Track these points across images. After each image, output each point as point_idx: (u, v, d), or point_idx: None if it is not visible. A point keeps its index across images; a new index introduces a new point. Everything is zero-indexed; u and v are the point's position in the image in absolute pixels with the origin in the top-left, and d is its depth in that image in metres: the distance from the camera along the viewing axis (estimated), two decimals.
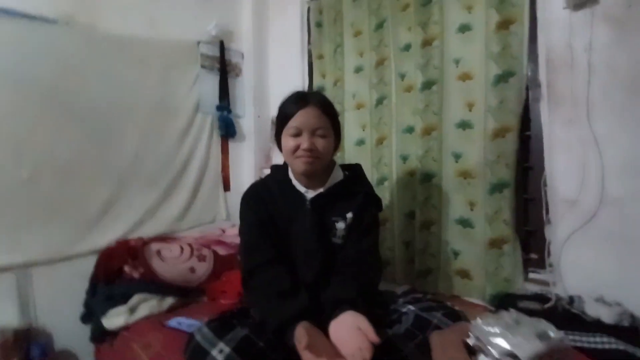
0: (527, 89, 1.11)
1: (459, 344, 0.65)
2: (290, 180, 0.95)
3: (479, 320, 0.65)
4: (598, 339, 0.76)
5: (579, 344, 0.77)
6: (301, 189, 0.94)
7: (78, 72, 1.43)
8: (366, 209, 0.94)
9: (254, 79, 2.03)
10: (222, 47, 1.94)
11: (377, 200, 0.99)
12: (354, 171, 1.02)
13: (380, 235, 1.06)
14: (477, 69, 1.19)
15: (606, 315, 0.82)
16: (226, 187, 1.98)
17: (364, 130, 1.56)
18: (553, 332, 0.61)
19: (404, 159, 1.41)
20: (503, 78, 1.13)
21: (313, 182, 0.93)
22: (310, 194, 0.93)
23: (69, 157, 1.40)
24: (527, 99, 1.12)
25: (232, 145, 2.01)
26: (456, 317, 0.77)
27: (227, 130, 1.93)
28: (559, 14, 1.00)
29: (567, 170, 1.02)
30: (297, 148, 0.88)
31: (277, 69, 2.06)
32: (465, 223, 1.23)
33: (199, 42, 1.86)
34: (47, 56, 1.36)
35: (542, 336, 0.60)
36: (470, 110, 1.22)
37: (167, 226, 1.68)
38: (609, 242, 0.94)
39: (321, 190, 0.93)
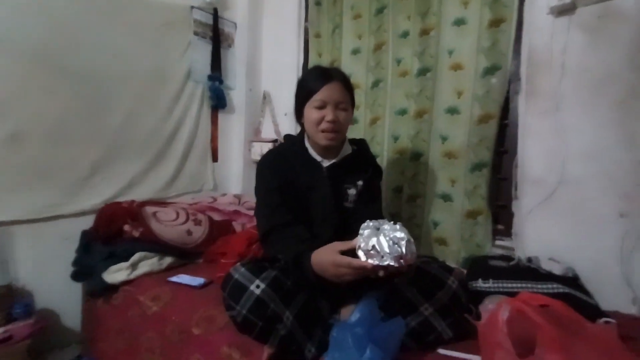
0: (509, 82, 1.27)
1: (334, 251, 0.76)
2: (306, 150, 1.03)
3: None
4: (549, 285, 0.96)
5: (534, 290, 0.96)
6: (317, 158, 1.03)
7: (70, 31, 1.37)
8: (374, 179, 1.07)
9: (247, 51, 2.02)
10: (215, 14, 1.91)
11: (381, 172, 1.12)
12: (361, 145, 1.12)
13: None
14: (468, 60, 1.33)
15: (556, 269, 1.03)
16: (214, 157, 1.99)
17: (357, 110, 1.65)
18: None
19: (395, 138, 1.53)
20: (490, 71, 1.28)
21: (328, 152, 1.03)
22: (325, 163, 1.02)
23: (57, 118, 1.35)
24: (508, 91, 1.28)
25: (222, 116, 2.01)
26: (449, 269, 0.92)
27: (218, 101, 1.93)
28: (542, 18, 1.16)
29: (536, 154, 1.20)
30: (321, 120, 0.96)
31: (271, 43, 2.06)
32: (446, 197, 1.40)
33: (192, 7, 1.81)
34: (37, 13, 1.28)
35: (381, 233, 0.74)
36: (459, 98, 1.36)
37: (154, 192, 1.68)
38: (564, 215, 1.14)
39: (334, 160, 1.03)
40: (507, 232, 1.29)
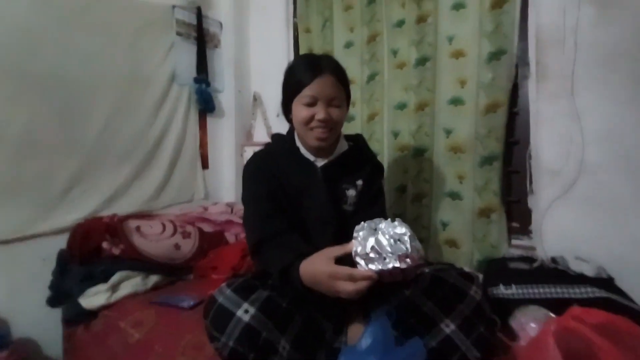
0: (516, 66, 1.18)
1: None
2: (298, 149, 0.92)
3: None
4: (583, 289, 0.85)
5: (566, 295, 0.85)
6: (310, 157, 0.91)
7: (33, 35, 1.26)
8: (374, 177, 0.95)
9: (234, 51, 1.93)
10: (199, 13, 1.81)
11: (382, 169, 1.00)
12: (357, 141, 1.01)
13: None
14: (470, 46, 1.24)
15: (587, 270, 0.92)
16: (204, 164, 1.88)
17: (353, 106, 1.56)
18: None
19: (395, 134, 1.43)
20: (495, 56, 1.18)
21: (321, 151, 0.92)
22: (319, 163, 0.91)
23: (26, 129, 1.24)
24: (516, 77, 1.18)
25: (210, 121, 1.90)
26: (469, 277, 0.79)
27: (206, 104, 1.82)
28: None
29: (551, 142, 1.11)
30: (311, 118, 0.84)
31: (259, 42, 1.97)
32: (454, 195, 1.29)
33: (174, 7, 1.72)
34: None
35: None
36: (462, 87, 1.26)
37: (140, 204, 1.56)
38: (587, 208, 1.04)
39: (330, 159, 0.92)
40: (524, 230, 1.19)
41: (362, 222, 0.69)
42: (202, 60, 1.81)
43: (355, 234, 0.67)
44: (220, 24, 1.94)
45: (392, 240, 0.63)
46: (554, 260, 0.99)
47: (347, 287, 0.64)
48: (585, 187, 1.04)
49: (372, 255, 0.63)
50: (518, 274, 0.93)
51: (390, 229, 0.65)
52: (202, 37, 1.81)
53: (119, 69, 1.50)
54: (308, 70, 0.85)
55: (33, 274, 1.24)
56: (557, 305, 0.76)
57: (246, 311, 0.66)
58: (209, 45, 1.86)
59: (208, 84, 1.82)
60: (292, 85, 0.87)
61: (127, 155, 1.53)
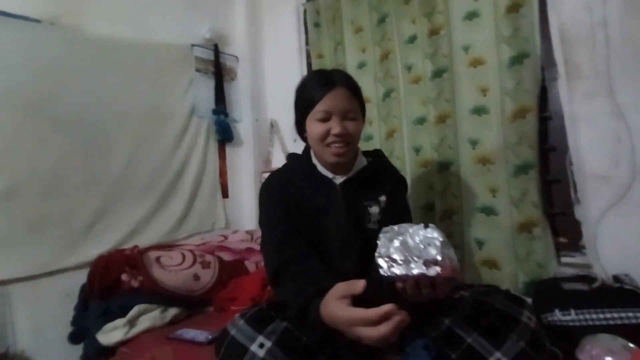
0: (542, 69, 1.11)
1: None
2: (314, 166, 0.88)
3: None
4: None
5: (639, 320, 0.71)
6: (328, 174, 0.87)
7: (63, 77, 1.34)
8: (398, 192, 0.88)
9: (250, 83, 1.99)
10: (216, 50, 1.90)
11: (406, 183, 0.93)
12: (377, 156, 0.96)
13: None
14: (488, 53, 1.19)
15: None
16: (224, 193, 1.88)
17: (370, 125, 1.52)
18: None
19: (417, 150, 1.36)
20: (517, 60, 1.12)
21: (339, 168, 0.87)
22: (338, 180, 0.86)
23: (53, 169, 1.28)
24: (543, 80, 1.11)
25: (229, 150, 1.93)
26: (519, 301, 0.68)
27: (224, 134, 1.86)
28: None
29: (594, 145, 1.00)
30: (327, 134, 0.81)
31: (274, 72, 2.02)
32: (488, 210, 1.18)
33: (192, 45, 1.81)
34: (29, 59, 1.26)
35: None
36: (484, 95, 1.20)
37: (162, 236, 1.56)
38: None
39: (349, 175, 0.87)
40: (574, 246, 1.05)
41: (391, 226, 0.61)
42: (220, 92, 1.87)
43: (380, 235, 0.59)
44: (237, 58, 2.01)
45: (420, 244, 0.55)
46: (616, 278, 0.85)
47: (370, 334, 0.53)
48: None
49: (395, 256, 0.55)
50: (576, 297, 0.80)
51: (420, 232, 0.57)
52: (219, 72, 1.88)
53: (141, 106, 1.56)
54: (319, 85, 0.83)
55: (58, 310, 1.23)
56: (633, 333, 0.63)
57: (261, 345, 0.59)
58: (226, 79, 1.93)
59: (226, 115, 1.87)
60: (304, 102, 0.85)
61: (149, 188, 1.55)
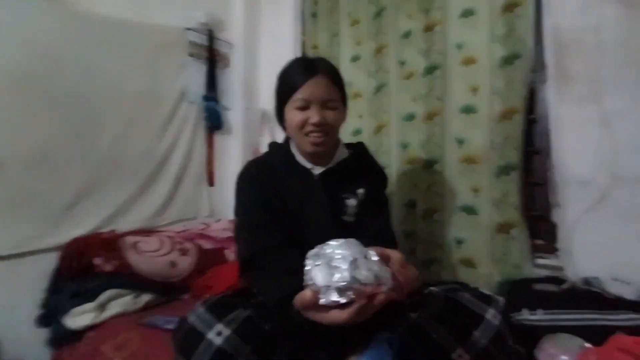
0: (531, 71, 1.10)
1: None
2: (293, 156, 0.87)
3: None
4: (625, 316, 0.72)
5: (604, 322, 0.72)
6: (307, 165, 0.85)
7: (56, 53, 1.31)
8: (378, 186, 0.88)
9: (243, 71, 1.95)
10: (210, 35, 1.86)
11: (386, 177, 0.93)
12: (358, 149, 0.95)
13: None
14: (481, 52, 1.18)
15: (627, 293, 0.78)
16: (210, 182, 1.86)
17: (360, 118, 1.51)
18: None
19: (404, 146, 1.36)
20: (509, 60, 1.11)
21: (319, 158, 0.85)
22: (317, 170, 0.85)
23: (40, 144, 1.26)
24: (531, 82, 1.10)
25: (218, 138, 1.90)
26: (486, 299, 0.68)
27: (214, 122, 1.83)
28: None
29: (577, 150, 1.00)
30: (304, 122, 0.79)
31: (268, 61, 1.99)
32: (469, 210, 1.18)
33: (187, 29, 1.77)
34: (21, 34, 1.23)
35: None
36: (474, 95, 1.19)
37: (144, 221, 1.53)
38: (622, 222, 0.91)
39: (329, 166, 0.85)
40: (550, 248, 1.06)
41: (316, 248, 0.58)
42: (212, 79, 1.84)
43: (306, 260, 0.57)
44: (231, 45, 1.98)
45: (326, 269, 0.53)
46: (586, 281, 0.86)
47: (338, 315, 0.52)
48: (620, 198, 0.92)
49: (314, 287, 0.54)
50: (545, 298, 0.81)
51: (335, 252, 0.54)
52: (212, 58, 1.85)
53: (132, 87, 1.53)
54: (300, 72, 0.80)
55: (31, 292, 1.19)
56: (593, 334, 0.65)
57: (219, 333, 0.57)
58: (219, 65, 1.89)
59: (217, 102, 1.84)
60: (284, 89, 0.83)
61: (134, 171, 1.53)
